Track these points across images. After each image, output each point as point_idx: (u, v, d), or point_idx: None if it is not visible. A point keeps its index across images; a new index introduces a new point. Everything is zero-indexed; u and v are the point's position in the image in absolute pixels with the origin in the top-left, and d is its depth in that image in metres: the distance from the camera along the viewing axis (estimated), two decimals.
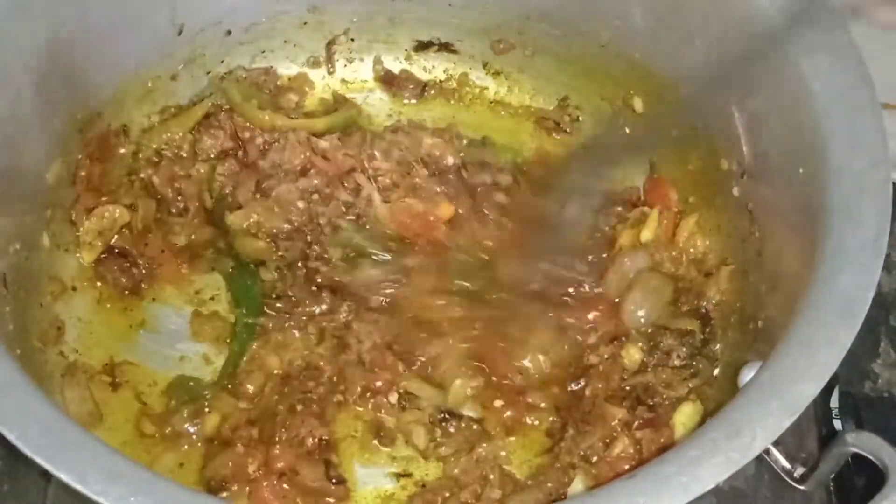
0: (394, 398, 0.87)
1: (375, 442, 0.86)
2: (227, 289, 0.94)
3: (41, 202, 0.88)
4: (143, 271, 0.93)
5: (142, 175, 0.96)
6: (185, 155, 0.98)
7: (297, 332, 0.90)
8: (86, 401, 0.85)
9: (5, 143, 0.80)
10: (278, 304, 0.92)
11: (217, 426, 0.85)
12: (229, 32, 0.99)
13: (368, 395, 0.88)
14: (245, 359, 0.89)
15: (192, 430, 0.85)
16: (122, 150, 0.96)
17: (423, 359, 0.89)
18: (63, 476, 0.59)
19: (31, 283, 0.86)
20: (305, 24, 1.03)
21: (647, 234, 0.95)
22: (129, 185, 0.96)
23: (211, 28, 0.98)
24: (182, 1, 0.93)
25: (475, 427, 0.87)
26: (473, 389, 0.87)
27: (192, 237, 0.95)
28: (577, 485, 0.82)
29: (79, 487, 0.58)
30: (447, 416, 0.87)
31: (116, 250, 0.93)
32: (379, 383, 0.87)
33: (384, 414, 0.87)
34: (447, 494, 0.83)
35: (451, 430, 0.86)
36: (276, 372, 0.88)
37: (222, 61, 1.01)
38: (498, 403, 0.87)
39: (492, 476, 0.84)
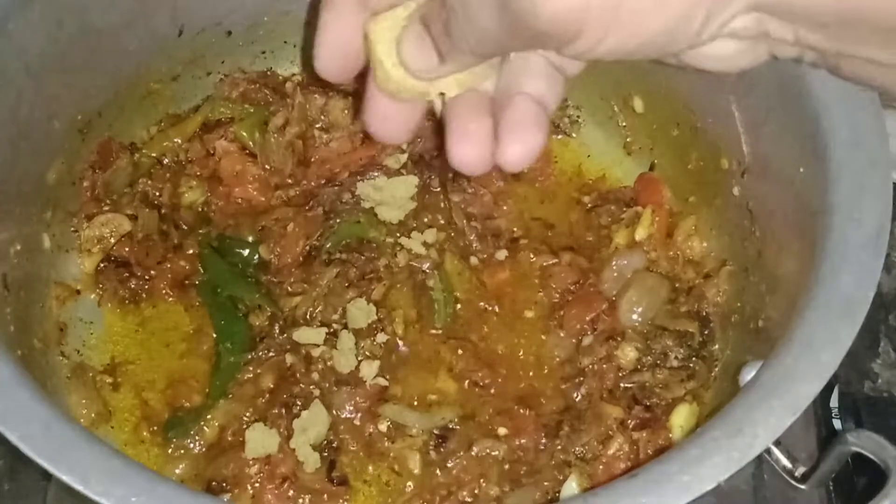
0: (383, 426, 0.85)
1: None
2: (211, 323, 0.90)
3: (41, 203, 0.88)
4: (142, 283, 0.92)
5: (141, 185, 0.96)
6: (184, 164, 0.98)
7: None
8: (93, 401, 0.85)
9: (5, 144, 0.80)
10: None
11: (218, 434, 0.85)
12: (230, 33, 0.99)
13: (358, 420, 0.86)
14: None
15: (192, 444, 0.84)
16: (124, 160, 0.95)
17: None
18: (64, 477, 0.59)
19: (33, 284, 0.86)
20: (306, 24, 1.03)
21: (641, 233, 0.95)
22: (131, 195, 0.95)
23: (211, 29, 0.98)
24: (182, 2, 0.93)
25: (471, 424, 0.86)
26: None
27: (182, 264, 0.93)
28: (572, 483, 0.82)
29: (80, 488, 0.58)
30: (441, 437, 0.85)
31: (117, 259, 0.93)
32: (365, 404, 0.86)
33: (376, 440, 0.85)
34: (445, 493, 0.83)
35: (449, 447, 0.84)
36: (269, 386, 0.86)
37: (223, 62, 1.01)
38: (491, 408, 0.87)
39: (490, 474, 0.83)
